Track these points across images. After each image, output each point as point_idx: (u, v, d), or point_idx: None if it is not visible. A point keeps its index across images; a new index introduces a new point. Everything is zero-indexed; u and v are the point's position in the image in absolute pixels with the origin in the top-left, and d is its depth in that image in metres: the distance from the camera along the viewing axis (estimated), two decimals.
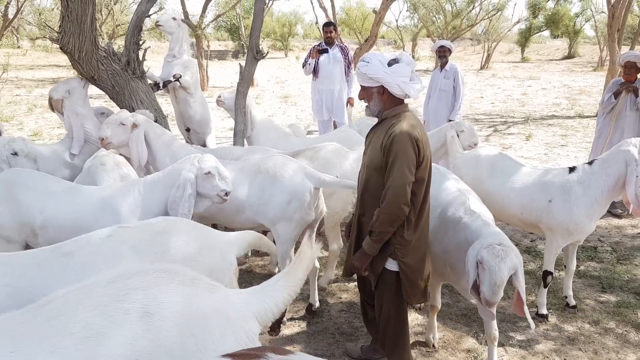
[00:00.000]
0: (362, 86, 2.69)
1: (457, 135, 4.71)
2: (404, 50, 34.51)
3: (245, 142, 4.81)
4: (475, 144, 4.78)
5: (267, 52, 4.70)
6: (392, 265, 2.70)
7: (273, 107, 14.24)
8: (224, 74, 23.64)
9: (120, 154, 3.67)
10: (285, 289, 1.85)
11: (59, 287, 1.78)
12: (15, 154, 3.62)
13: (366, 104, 2.72)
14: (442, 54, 6.71)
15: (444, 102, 6.73)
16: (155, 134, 3.70)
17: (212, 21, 21.04)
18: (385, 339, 2.82)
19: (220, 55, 36.85)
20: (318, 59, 7.55)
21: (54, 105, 4.22)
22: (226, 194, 3.08)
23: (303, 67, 7.79)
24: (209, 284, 1.69)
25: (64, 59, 27.46)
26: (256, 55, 4.46)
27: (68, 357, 1.39)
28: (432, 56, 27.84)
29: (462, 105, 6.75)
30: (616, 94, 5.52)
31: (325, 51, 7.51)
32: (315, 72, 7.65)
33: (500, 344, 3.36)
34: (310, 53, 7.58)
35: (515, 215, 3.73)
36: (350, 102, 7.72)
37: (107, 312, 1.47)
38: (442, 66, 6.78)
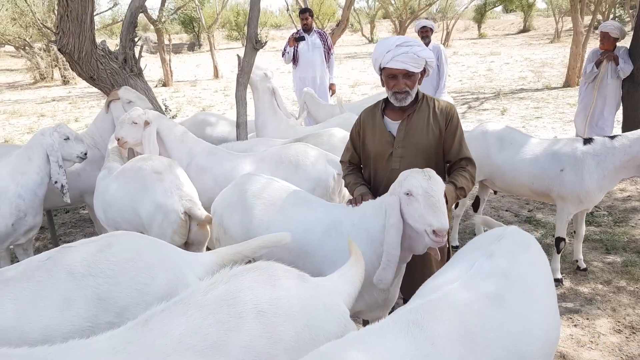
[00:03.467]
0: (408, 73, 2.48)
1: None
2: (362, 33, 34.55)
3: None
4: None
5: (266, 42, 4.66)
6: None
7: None
8: (185, 68, 23.15)
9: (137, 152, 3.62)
10: (357, 276, 1.94)
11: None
12: (67, 138, 3.49)
13: (403, 92, 2.51)
14: (425, 34, 6.80)
15: (429, 82, 6.84)
16: (168, 129, 3.64)
17: (172, 14, 20.55)
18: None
19: (176, 49, 36.03)
20: (297, 47, 7.54)
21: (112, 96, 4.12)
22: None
23: (282, 57, 7.78)
24: (299, 274, 1.71)
25: (14, 63, 26.29)
26: (255, 45, 4.43)
27: None
28: None
29: (446, 83, 6.89)
30: (597, 64, 5.75)
31: (302, 39, 7.50)
32: (295, 60, 7.64)
33: None
34: (288, 41, 7.56)
35: (525, 185, 3.86)
36: (332, 88, 7.75)
37: (222, 319, 1.44)
38: (426, 45, 6.88)
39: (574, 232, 4.02)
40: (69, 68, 20.27)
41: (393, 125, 2.66)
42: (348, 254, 1.99)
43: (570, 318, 3.42)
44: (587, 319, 3.41)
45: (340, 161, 2.95)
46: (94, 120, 4.23)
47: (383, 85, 2.63)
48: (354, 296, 1.85)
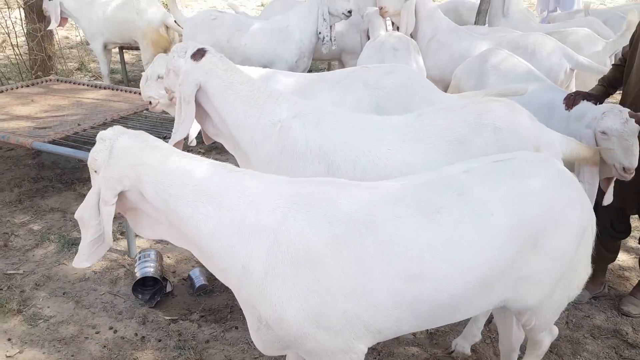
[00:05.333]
0: None
1: None
2: None
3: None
4: None
5: None
6: None
7: None
8: None
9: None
10: (580, 149, 2.34)
11: (313, 98, 2.67)
12: (350, 12, 4.27)
13: None
14: None
15: None
16: (422, 4, 4.17)
17: None
18: None
19: None
20: None
21: None
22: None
23: None
24: (529, 114, 2.23)
25: None
26: None
27: (440, 152, 2.07)
28: None
29: None
30: None
31: None
32: None
33: None
34: None
35: None
36: None
37: (470, 125, 2.11)
38: None
39: None
40: None
41: None
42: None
43: None
44: None
45: (623, 48, 3.02)
46: None
47: None
48: (566, 157, 2.25)
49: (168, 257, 3.39)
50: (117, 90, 4.78)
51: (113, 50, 6.15)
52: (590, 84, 4.21)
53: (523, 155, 1.83)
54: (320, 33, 4.31)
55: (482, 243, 1.58)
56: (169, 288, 3.05)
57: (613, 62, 2.97)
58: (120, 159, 1.63)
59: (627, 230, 2.93)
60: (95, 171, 1.71)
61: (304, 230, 1.52)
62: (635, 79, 2.61)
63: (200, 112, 2.34)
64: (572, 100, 2.77)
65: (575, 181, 1.81)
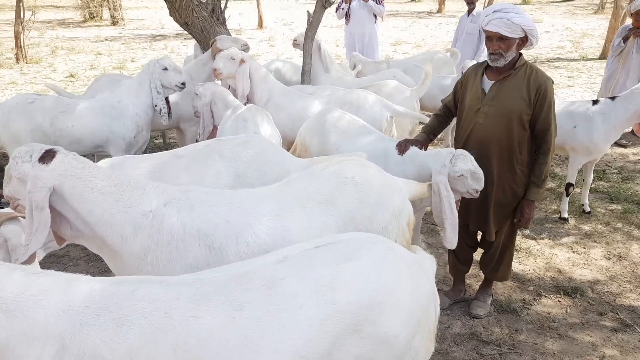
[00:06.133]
0: (500, 37, 2.76)
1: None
2: None
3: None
4: None
5: (333, 2, 5.36)
6: None
7: (288, 50, 14.68)
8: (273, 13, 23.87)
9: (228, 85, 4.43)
10: (419, 189, 2.76)
11: (172, 178, 2.68)
12: (166, 69, 4.19)
13: (495, 54, 2.81)
14: (470, 0, 7.36)
15: (470, 45, 7.46)
16: (255, 70, 4.41)
17: None
18: (505, 261, 3.31)
19: None
20: (350, 4, 8.19)
21: (215, 50, 4.79)
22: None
23: (336, 12, 8.45)
24: (378, 167, 2.51)
25: (59, 0, 27.25)
26: (324, 3, 5.14)
27: (314, 214, 2.20)
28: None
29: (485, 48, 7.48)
30: (625, 39, 6.30)
31: None
32: (347, 16, 8.31)
33: (532, 238, 4.34)
34: None
35: None
36: None
37: (333, 185, 2.29)
38: (470, 11, 7.46)
39: (584, 180, 4.77)
40: (118, 8, 21.17)
41: (488, 84, 2.99)
42: None
43: (570, 247, 4.23)
44: (584, 248, 4.21)
45: (442, 100, 3.47)
46: (196, 61, 5.04)
47: None
48: (411, 197, 2.62)
49: None
50: None
51: None
52: (405, 126, 4.92)
53: (350, 237, 1.82)
54: (156, 106, 4.23)
55: (285, 339, 1.51)
56: None
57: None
58: None
59: (476, 245, 3.43)
60: None
61: (91, 335, 1.46)
62: (467, 121, 3.09)
63: (54, 216, 2.13)
64: (403, 147, 3.23)
65: (408, 262, 1.79)
